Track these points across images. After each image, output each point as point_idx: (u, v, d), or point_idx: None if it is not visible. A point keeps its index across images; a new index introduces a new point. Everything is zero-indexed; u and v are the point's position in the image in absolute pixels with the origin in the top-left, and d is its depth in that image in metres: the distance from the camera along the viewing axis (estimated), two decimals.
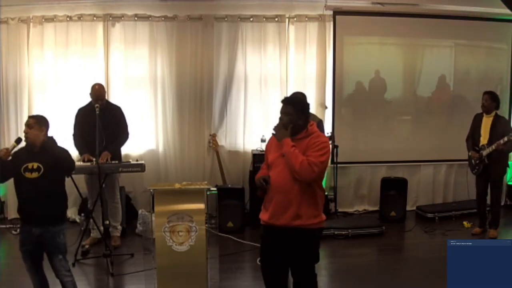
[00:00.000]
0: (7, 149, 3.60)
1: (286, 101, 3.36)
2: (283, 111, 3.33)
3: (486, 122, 5.55)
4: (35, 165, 3.54)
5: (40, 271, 3.74)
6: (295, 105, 3.32)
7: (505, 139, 5.24)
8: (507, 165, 5.74)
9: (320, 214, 3.35)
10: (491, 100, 5.52)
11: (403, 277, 4.72)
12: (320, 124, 4.95)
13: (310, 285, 3.44)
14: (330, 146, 3.62)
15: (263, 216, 3.42)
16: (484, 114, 5.59)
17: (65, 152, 3.70)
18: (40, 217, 3.55)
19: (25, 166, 3.55)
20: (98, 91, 5.18)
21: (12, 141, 3.74)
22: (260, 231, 3.51)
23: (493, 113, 5.54)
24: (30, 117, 3.75)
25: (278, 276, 3.47)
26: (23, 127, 6.15)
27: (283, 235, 3.32)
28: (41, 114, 3.79)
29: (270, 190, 3.36)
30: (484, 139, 5.53)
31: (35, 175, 3.54)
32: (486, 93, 5.60)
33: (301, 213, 3.26)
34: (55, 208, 3.62)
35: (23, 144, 3.66)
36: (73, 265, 4.81)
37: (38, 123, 3.62)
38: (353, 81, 6.65)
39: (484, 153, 5.48)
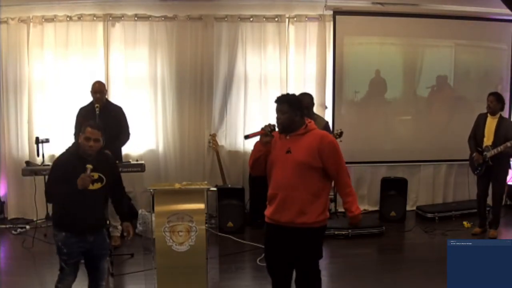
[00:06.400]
0: (89, 176, 3.23)
1: (281, 100, 3.38)
2: (279, 110, 3.36)
3: (491, 123, 5.53)
4: (96, 175, 3.30)
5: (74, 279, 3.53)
6: (290, 103, 3.35)
7: None
8: (510, 167, 5.73)
9: (325, 211, 3.38)
10: (497, 101, 5.50)
11: (403, 277, 4.72)
12: (327, 125, 4.95)
13: (314, 280, 3.46)
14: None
15: (268, 212, 3.44)
16: (489, 115, 5.57)
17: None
18: (97, 225, 3.41)
19: None
20: (98, 88, 5.20)
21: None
22: (264, 228, 3.53)
23: (498, 115, 5.53)
24: (94, 128, 3.31)
25: (283, 271, 3.49)
26: (23, 128, 6.12)
27: (287, 232, 3.34)
28: (97, 123, 3.46)
29: (273, 187, 3.37)
30: (488, 140, 5.52)
31: (97, 186, 3.32)
32: (491, 94, 5.59)
33: (305, 210, 3.29)
34: (106, 212, 3.55)
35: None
36: None
37: (103, 134, 3.35)
38: (353, 81, 6.65)
39: (489, 154, 5.46)
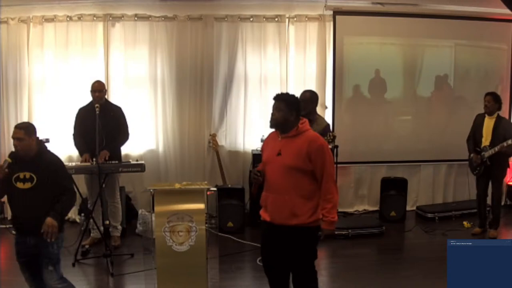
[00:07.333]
0: (1, 167, 3.34)
1: (279, 98, 3.41)
2: (275, 107, 3.39)
3: (488, 123, 5.53)
4: (27, 174, 3.34)
5: (40, 282, 3.54)
6: (287, 102, 3.37)
7: (509, 141, 5.23)
8: (508, 166, 5.73)
9: (317, 212, 3.34)
10: (494, 101, 5.50)
11: (403, 277, 4.72)
12: (327, 128, 4.86)
13: (310, 281, 3.45)
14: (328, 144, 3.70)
15: (263, 214, 3.46)
16: (486, 115, 5.57)
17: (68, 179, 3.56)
18: (34, 228, 3.34)
19: (16, 175, 3.35)
20: (97, 87, 5.22)
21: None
22: (262, 228, 3.53)
23: (495, 114, 5.52)
24: (17, 128, 3.43)
25: (279, 271, 3.50)
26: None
27: (281, 233, 3.35)
28: (26, 121, 3.61)
29: (266, 189, 3.40)
30: (486, 141, 5.52)
31: (27, 185, 3.34)
32: (488, 94, 5.58)
33: (297, 213, 3.28)
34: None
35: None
36: (73, 265, 4.83)
37: (27, 133, 3.39)
38: (353, 81, 6.65)
39: (486, 154, 5.47)
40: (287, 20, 6.47)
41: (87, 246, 5.18)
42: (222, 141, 6.54)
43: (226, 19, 6.38)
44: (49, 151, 3.57)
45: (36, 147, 3.45)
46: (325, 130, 4.68)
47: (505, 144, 5.28)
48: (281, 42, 6.47)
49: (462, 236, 5.70)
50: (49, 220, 3.30)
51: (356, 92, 6.70)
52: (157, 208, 4.12)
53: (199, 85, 6.44)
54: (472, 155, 5.64)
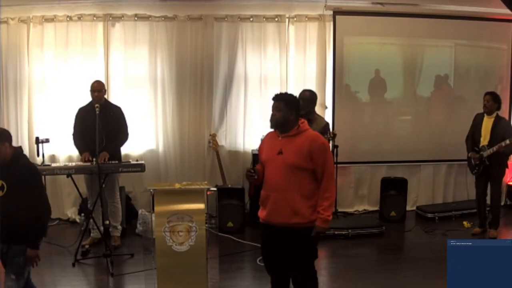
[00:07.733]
0: None
1: (278, 98, 3.42)
2: (275, 107, 3.40)
3: (487, 123, 5.53)
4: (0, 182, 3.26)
5: (28, 284, 3.49)
6: (287, 101, 3.37)
7: (507, 141, 5.23)
8: (507, 166, 5.73)
9: (316, 211, 3.33)
10: (493, 101, 5.50)
11: (403, 277, 4.72)
12: (326, 126, 4.88)
13: (310, 280, 3.45)
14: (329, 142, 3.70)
15: (261, 214, 3.46)
16: (485, 115, 5.57)
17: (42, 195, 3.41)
18: (6, 236, 3.28)
19: None
20: (96, 86, 5.22)
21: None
22: (261, 229, 3.53)
23: (494, 114, 5.52)
24: None
25: (281, 270, 3.50)
26: (23, 128, 6.14)
27: (281, 233, 3.34)
28: (2, 127, 3.42)
29: (265, 188, 3.39)
30: (484, 140, 5.52)
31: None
32: (487, 93, 5.58)
33: (298, 211, 3.29)
34: (22, 227, 3.27)
35: None
36: (73, 265, 4.83)
37: None
38: (353, 81, 6.65)
39: (485, 154, 5.47)
40: (287, 20, 6.47)
41: (87, 246, 5.18)
42: (222, 141, 6.54)
43: (226, 19, 6.38)
44: (24, 159, 3.46)
45: (10, 154, 3.31)
46: (324, 128, 4.71)
47: (503, 143, 5.28)
48: (281, 42, 6.47)
49: (462, 236, 5.70)
50: (29, 252, 3.31)
51: (356, 92, 6.70)
52: (157, 208, 4.12)
53: (199, 85, 6.44)
54: (470, 153, 5.64)
